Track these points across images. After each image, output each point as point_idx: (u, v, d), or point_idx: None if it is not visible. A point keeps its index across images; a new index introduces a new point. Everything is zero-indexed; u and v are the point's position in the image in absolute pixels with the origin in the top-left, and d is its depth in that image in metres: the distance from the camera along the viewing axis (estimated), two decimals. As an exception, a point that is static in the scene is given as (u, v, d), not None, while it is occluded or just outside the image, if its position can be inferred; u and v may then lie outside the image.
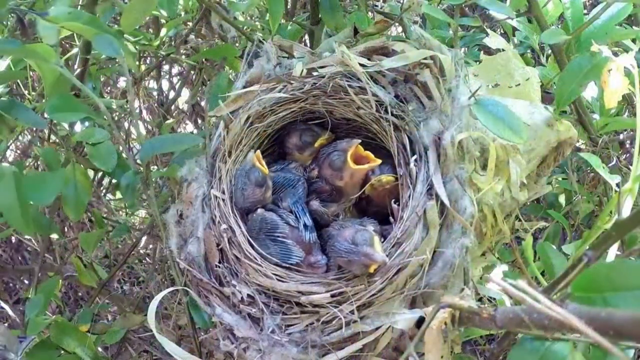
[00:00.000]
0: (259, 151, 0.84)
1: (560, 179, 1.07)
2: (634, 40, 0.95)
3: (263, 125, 0.89)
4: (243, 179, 0.82)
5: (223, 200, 0.82)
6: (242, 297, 0.75)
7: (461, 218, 0.71)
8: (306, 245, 0.78)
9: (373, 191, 0.84)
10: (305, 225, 0.79)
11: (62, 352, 0.94)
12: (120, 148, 0.93)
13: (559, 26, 0.93)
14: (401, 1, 1.00)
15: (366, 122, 0.86)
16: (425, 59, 0.80)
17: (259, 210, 0.81)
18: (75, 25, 0.76)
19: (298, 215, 0.80)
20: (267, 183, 0.83)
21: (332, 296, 0.71)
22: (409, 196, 0.75)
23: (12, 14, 0.85)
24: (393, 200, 0.80)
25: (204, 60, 1.35)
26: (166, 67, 1.70)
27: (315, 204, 0.85)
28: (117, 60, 0.81)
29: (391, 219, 0.79)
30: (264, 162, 0.83)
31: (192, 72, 1.55)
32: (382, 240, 0.75)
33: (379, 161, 0.82)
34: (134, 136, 1.48)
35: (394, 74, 0.83)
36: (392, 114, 0.82)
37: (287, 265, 0.76)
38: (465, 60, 0.88)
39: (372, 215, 0.86)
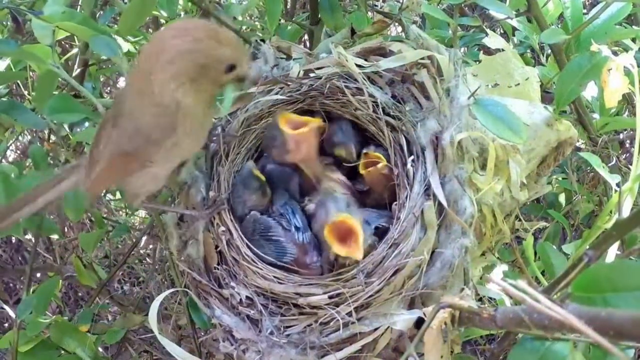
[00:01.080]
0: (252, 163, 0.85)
1: (560, 178, 1.07)
2: (633, 40, 0.95)
3: (260, 126, 0.89)
4: (242, 187, 0.82)
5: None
6: (240, 299, 0.75)
7: (458, 219, 0.70)
8: (301, 246, 0.77)
9: (367, 174, 0.83)
10: (296, 227, 0.79)
11: (62, 352, 0.94)
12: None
13: (559, 26, 0.93)
14: (400, 1, 1.00)
15: (364, 123, 0.86)
16: (422, 59, 0.80)
17: (252, 212, 0.81)
18: (69, 25, 0.76)
19: (288, 218, 0.80)
20: (266, 190, 0.83)
21: (330, 297, 0.71)
22: (406, 197, 0.75)
23: (8, 14, 0.85)
24: (394, 203, 0.79)
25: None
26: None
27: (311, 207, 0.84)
28: (113, 60, 0.81)
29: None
30: (259, 173, 0.83)
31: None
32: (376, 234, 0.75)
33: (318, 120, 0.81)
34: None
35: (391, 74, 0.82)
36: (389, 115, 0.81)
37: (284, 265, 0.76)
38: (465, 60, 0.88)
39: (371, 206, 0.85)
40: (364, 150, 0.84)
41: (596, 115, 0.94)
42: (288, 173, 0.86)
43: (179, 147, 0.70)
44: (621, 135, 1.20)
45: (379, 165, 0.80)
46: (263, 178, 0.83)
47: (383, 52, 0.85)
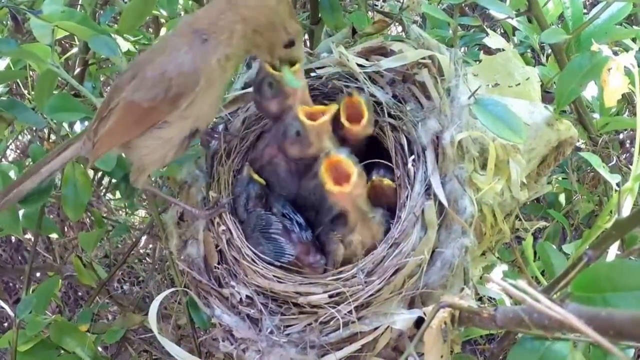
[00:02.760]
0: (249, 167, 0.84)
1: (560, 178, 1.07)
2: (634, 40, 0.95)
3: (260, 126, 0.88)
4: (244, 195, 0.81)
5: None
6: (240, 298, 0.75)
7: (459, 219, 0.70)
8: (305, 246, 0.77)
9: (371, 190, 0.82)
10: (299, 225, 0.78)
11: (62, 351, 0.94)
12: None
13: (559, 26, 0.93)
14: (401, 1, 1.00)
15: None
16: (423, 58, 0.80)
17: (257, 209, 0.81)
18: (69, 24, 0.76)
19: (291, 217, 0.79)
20: (266, 192, 0.83)
21: (330, 296, 0.71)
22: (407, 196, 0.75)
23: (8, 13, 0.85)
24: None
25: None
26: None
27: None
28: (112, 60, 0.81)
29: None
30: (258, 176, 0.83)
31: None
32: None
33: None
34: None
35: (392, 74, 0.82)
36: (390, 115, 0.81)
37: (284, 265, 0.76)
38: (465, 59, 0.88)
39: None
40: (373, 177, 0.80)
41: (596, 115, 0.94)
42: (288, 182, 0.84)
43: (194, 107, 0.70)
44: (621, 135, 1.20)
45: (385, 182, 0.79)
46: (263, 181, 0.82)
47: (384, 52, 0.85)
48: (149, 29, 1.42)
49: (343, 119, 0.79)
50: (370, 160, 0.82)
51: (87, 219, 1.52)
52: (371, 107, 0.80)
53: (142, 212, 1.74)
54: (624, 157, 1.21)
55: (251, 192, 0.81)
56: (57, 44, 0.96)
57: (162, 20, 1.29)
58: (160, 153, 0.75)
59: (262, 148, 0.85)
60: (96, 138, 0.73)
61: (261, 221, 0.78)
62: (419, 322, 0.69)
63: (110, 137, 0.73)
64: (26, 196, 0.80)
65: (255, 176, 0.82)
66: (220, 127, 0.87)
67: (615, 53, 0.72)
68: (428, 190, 0.74)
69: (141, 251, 1.71)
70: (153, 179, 1.02)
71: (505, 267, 0.92)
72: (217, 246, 0.79)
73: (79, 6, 1.18)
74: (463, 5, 0.96)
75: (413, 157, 0.77)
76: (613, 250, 0.63)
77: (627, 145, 1.29)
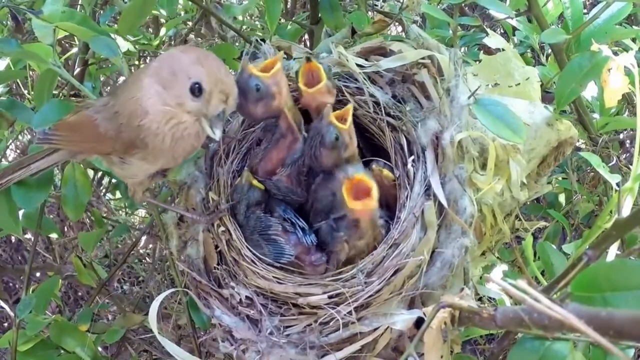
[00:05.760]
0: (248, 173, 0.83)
1: (560, 178, 1.07)
2: (634, 40, 0.95)
3: (259, 127, 0.88)
4: (244, 200, 0.81)
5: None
6: (240, 299, 0.75)
7: (458, 219, 0.70)
8: (305, 247, 0.77)
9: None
10: (302, 229, 0.78)
11: (62, 351, 0.94)
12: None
13: (559, 25, 0.93)
14: (401, 1, 1.00)
15: (364, 123, 0.86)
16: (423, 58, 0.80)
17: (257, 212, 0.81)
18: (69, 25, 0.76)
19: (293, 221, 0.79)
20: (266, 198, 0.82)
21: (330, 297, 0.71)
22: (407, 197, 0.75)
23: (8, 13, 0.85)
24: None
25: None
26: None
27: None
28: (112, 60, 0.81)
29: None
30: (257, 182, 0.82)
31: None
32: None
33: (278, 58, 0.77)
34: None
35: (392, 74, 0.82)
36: (390, 115, 0.81)
37: (285, 266, 0.76)
38: (465, 59, 0.88)
39: None
40: (372, 166, 0.80)
41: (596, 115, 0.94)
42: (290, 195, 0.84)
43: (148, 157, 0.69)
44: (621, 135, 1.20)
45: (384, 173, 0.79)
46: (262, 186, 0.82)
47: (383, 52, 0.85)
48: (149, 29, 1.42)
49: (301, 84, 0.79)
50: (369, 158, 0.83)
51: (87, 219, 1.52)
52: (331, 75, 0.81)
53: (142, 212, 1.74)
54: (624, 157, 1.21)
55: (251, 198, 0.81)
56: (57, 44, 0.96)
57: (162, 20, 1.29)
58: (135, 180, 0.76)
59: (256, 163, 0.85)
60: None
61: (260, 223, 0.78)
62: (419, 322, 0.69)
63: (65, 132, 0.73)
64: (26, 193, 0.80)
65: (255, 182, 0.82)
66: None
67: (615, 53, 0.72)
68: (428, 190, 0.74)
69: (141, 251, 1.72)
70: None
71: (505, 267, 0.92)
72: (216, 247, 0.79)
73: (78, 6, 1.18)
74: (463, 5, 0.95)
75: (413, 157, 0.77)
76: (613, 250, 0.63)
77: (627, 145, 1.29)
